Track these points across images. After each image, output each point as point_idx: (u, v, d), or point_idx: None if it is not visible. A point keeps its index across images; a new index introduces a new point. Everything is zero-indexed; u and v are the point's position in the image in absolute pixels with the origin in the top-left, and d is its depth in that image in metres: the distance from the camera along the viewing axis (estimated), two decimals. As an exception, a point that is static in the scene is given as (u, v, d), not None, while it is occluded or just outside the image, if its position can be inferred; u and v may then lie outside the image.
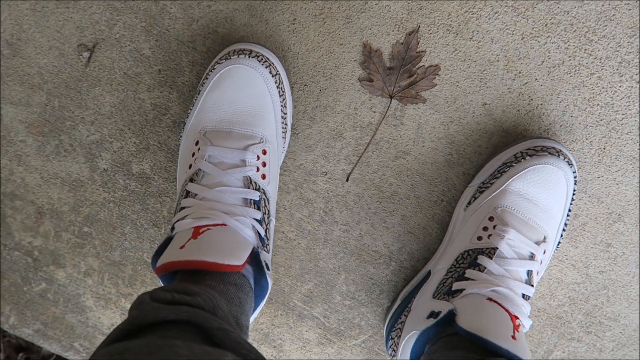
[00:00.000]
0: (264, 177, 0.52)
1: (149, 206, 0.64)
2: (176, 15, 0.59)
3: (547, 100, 0.57)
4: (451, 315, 0.48)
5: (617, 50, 0.55)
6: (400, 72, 0.57)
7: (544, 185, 0.53)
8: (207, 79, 0.54)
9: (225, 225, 0.47)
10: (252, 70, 0.52)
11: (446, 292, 0.52)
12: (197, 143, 0.53)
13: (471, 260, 0.52)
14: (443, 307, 0.50)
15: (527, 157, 0.53)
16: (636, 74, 0.56)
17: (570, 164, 0.53)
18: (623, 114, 0.57)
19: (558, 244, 0.57)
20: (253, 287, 0.50)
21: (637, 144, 0.57)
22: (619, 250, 0.61)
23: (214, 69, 0.54)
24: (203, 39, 0.59)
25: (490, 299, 0.48)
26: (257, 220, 0.50)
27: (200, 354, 0.34)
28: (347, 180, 0.61)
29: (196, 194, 0.50)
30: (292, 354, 0.68)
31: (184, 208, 0.50)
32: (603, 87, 0.56)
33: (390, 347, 0.60)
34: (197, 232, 0.47)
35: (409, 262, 0.63)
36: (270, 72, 0.53)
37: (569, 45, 0.56)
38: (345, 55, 0.58)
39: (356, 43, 0.58)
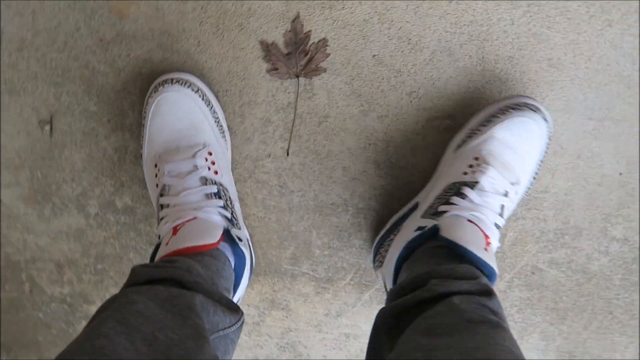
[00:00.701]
0: (216, 172, 0.63)
1: (141, 230, 0.76)
2: (105, 71, 0.70)
3: (423, 35, 0.67)
4: (435, 229, 0.58)
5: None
6: (297, 54, 0.67)
7: (523, 135, 0.62)
8: (145, 112, 0.65)
9: (196, 218, 0.59)
10: (177, 94, 0.63)
11: (433, 213, 0.62)
12: (156, 165, 0.64)
13: (456, 190, 0.62)
14: (429, 223, 0.60)
15: (511, 111, 0.62)
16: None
17: (546, 120, 0.63)
18: (487, 25, 0.67)
19: (528, 189, 0.67)
20: (232, 259, 0.62)
21: (508, 44, 0.67)
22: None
23: (148, 103, 0.64)
24: (133, 82, 0.70)
25: (469, 220, 0.59)
26: (221, 207, 0.61)
27: (176, 293, 0.48)
28: (287, 155, 0.71)
29: (168, 204, 0.62)
30: (298, 310, 0.79)
31: (162, 218, 0.61)
32: (463, 9, 0.66)
33: (377, 260, 0.71)
34: (175, 230, 0.58)
35: (362, 203, 0.74)
36: (192, 90, 0.64)
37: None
38: (249, 56, 0.68)
39: (254, 43, 0.68)
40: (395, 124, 0.70)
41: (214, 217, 0.60)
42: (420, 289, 0.51)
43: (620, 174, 0.74)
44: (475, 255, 0.54)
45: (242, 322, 0.56)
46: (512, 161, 0.63)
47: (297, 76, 0.68)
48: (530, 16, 0.66)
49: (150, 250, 0.77)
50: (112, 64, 0.69)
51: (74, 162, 0.73)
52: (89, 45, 0.69)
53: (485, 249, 0.56)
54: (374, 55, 0.68)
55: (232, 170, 0.72)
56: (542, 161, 0.67)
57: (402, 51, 0.68)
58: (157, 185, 0.64)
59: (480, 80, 0.69)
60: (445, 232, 0.57)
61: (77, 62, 0.69)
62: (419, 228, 0.61)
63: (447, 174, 0.65)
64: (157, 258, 0.57)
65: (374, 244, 0.73)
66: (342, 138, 0.71)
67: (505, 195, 0.62)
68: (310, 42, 0.67)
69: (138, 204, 0.75)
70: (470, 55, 0.68)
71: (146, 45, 0.68)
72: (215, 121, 0.66)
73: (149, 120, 0.64)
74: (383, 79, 0.69)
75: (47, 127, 0.72)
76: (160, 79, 0.64)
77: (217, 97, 0.69)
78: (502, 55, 0.67)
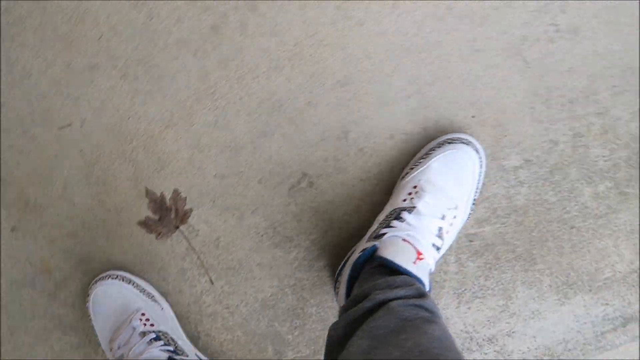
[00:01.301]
0: (152, 325, 0.76)
1: None
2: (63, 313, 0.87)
3: (235, 137, 0.77)
4: (374, 249, 0.65)
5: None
6: (166, 214, 0.80)
7: (457, 165, 0.70)
8: (89, 312, 0.80)
9: None
10: (105, 287, 0.78)
11: (375, 236, 0.69)
12: (111, 349, 0.77)
13: (396, 215, 0.69)
14: (370, 245, 0.67)
15: (446, 145, 0.71)
16: None
17: (477, 151, 0.71)
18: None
19: (469, 215, 0.73)
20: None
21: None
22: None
23: (87, 302, 0.79)
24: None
25: (404, 240, 0.65)
26: (161, 345, 0.74)
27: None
28: (212, 283, 0.82)
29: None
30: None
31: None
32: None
33: (336, 287, 0.77)
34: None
35: (291, 280, 0.81)
36: (117, 279, 0.79)
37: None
38: (137, 238, 0.82)
39: (134, 227, 0.82)
40: (264, 209, 0.79)
41: (156, 353, 0.72)
42: (364, 300, 0.58)
43: (473, 116, 0.75)
44: (403, 268, 0.61)
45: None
46: (448, 188, 0.69)
47: (177, 227, 0.80)
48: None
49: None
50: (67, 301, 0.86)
51: None
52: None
53: (414, 263, 0.63)
54: (215, 175, 0.79)
55: (186, 318, 0.84)
56: (478, 189, 0.72)
57: (228, 157, 0.78)
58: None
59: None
60: (381, 252, 0.64)
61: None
62: (363, 250, 0.68)
63: (391, 203, 0.73)
64: None
65: (335, 275, 0.79)
66: (239, 245, 0.81)
67: (442, 218, 0.68)
68: (168, 199, 0.80)
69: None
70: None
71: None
72: (141, 292, 0.80)
73: (93, 321, 0.79)
74: (233, 185, 0.79)
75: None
76: (92, 283, 0.81)
77: (138, 275, 0.82)
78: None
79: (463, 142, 0.71)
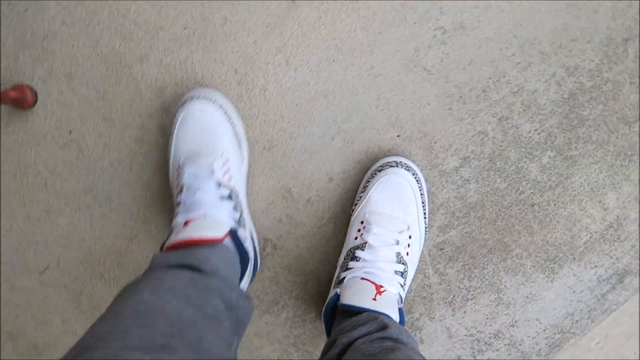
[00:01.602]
0: (229, 179, 0.70)
1: None
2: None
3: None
4: (336, 297, 0.66)
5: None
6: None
7: (393, 189, 0.71)
8: (173, 121, 0.72)
9: (206, 215, 0.64)
10: (202, 109, 0.70)
11: (337, 282, 0.70)
12: (178, 168, 0.70)
13: (352, 255, 0.70)
14: (333, 293, 0.67)
15: (378, 174, 0.72)
16: None
17: (408, 169, 0.72)
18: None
19: (426, 229, 0.75)
20: (237, 257, 0.66)
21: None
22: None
23: (176, 113, 0.71)
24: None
25: (362, 278, 0.66)
26: (232, 208, 0.67)
27: (197, 276, 0.54)
28: None
29: (185, 202, 0.66)
30: None
31: (177, 214, 0.66)
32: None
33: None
34: (186, 223, 0.63)
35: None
36: (216, 106, 0.71)
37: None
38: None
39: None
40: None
41: (223, 216, 0.65)
42: (332, 346, 0.60)
43: (398, 135, 0.76)
44: (363, 309, 0.62)
45: (253, 307, 0.63)
46: (393, 212, 0.70)
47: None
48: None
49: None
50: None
51: None
52: None
53: (374, 299, 0.63)
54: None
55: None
56: (425, 202, 0.73)
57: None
58: (177, 184, 0.70)
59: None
60: (342, 298, 0.65)
61: None
62: (330, 299, 0.68)
63: (345, 244, 0.74)
64: (165, 246, 0.61)
65: None
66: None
67: (397, 243, 0.69)
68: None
69: None
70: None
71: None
72: (234, 134, 0.73)
73: (176, 129, 0.71)
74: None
75: None
76: (188, 95, 0.72)
77: (237, 113, 0.75)
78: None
79: (391, 166, 0.72)
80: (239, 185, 0.72)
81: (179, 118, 0.70)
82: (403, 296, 0.70)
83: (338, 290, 0.67)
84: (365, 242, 0.69)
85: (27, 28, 0.75)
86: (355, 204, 0.75)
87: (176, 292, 0.50)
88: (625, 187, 0.75)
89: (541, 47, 0.72)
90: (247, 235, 0.71)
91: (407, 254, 0.70)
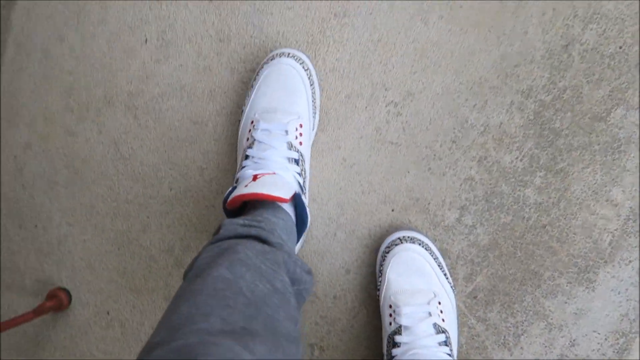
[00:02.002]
0: (301, 143, 0.68)
1: None
2: None
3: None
4: None
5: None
6: None
7: (406, 265, 0.71)
8: (257, 75, 0.71)
9: (275, 173, 0.63)
10: (289, 67, 0.69)
11: None
12: (252, 122, 0.69)
13: (392, 342, 0.69)
14: None
15: (387, 255, 0.73)
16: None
17: (413, 240, 0.72)
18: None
19: (452, 287, 0.74)
20: (295, 222, 0.67)
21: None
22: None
23: (262, 67, 0.70)
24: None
25: None
26: (297, 173, 0.67)
27: (267, 249, 0.54)
28: None
29: (253, 157, 0.65)
30: None
31: (244, 167, 0.65)
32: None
33: None
34: (255, 177, 0.62)
35: None
36: (303, 68, 0.70)
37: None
38: None
39: None
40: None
41: (290, 178, 0.65)
42: None
43: (392, 210, 0.78)
44: None
45: (314, 282, 0.63)
46: (416, 286, 0.70)
47: None
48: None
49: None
50: None
51: None
52: None
53: None
54: None
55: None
56: (442, 265, 0.74)
57: None
58: (247, 139, 0.68)
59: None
60: None
61: None
62: None
63: (383, 329, 0.74)
64: (232, 196, 0.60)
65: None
66: None
67: (430, 315, 0.68)
68: None
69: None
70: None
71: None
72: (312, 100, 0.71)
73: (259, 82, 0.70)
74: None
75: None
76: (278, 51, 0.71)
77: (319, 80, 0.75)
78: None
79: (396, 244, 0.73)
80: (307, 152, 0.70)
81: (264, 72, 0.69)
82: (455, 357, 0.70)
83: None
84: (400, 326, 0.69)
85: (42, 240, 0.83)
86: (379, 289, 0.76)
87: (250, 265, 0.50)
88: (626, 178, 0.74)
89: (490, 83, 0.74)
90: (307, 200, 0.71)
91: (443, 320, 0.70)
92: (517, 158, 0.75)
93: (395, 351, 0.69)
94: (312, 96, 0.72)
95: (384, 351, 0.74)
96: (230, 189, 0.65)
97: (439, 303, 0.71)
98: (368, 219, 0.79)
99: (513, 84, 0.73)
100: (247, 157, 0.68)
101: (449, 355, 0.68)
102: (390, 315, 0.72)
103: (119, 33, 0.75)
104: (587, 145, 0.74)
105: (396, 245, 0.73)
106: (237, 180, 0.67)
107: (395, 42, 0.73)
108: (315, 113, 0.74)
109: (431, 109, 0.75)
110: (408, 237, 0.74)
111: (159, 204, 0.81)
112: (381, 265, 0.75)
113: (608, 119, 0.73)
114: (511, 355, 0.80)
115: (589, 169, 0.75)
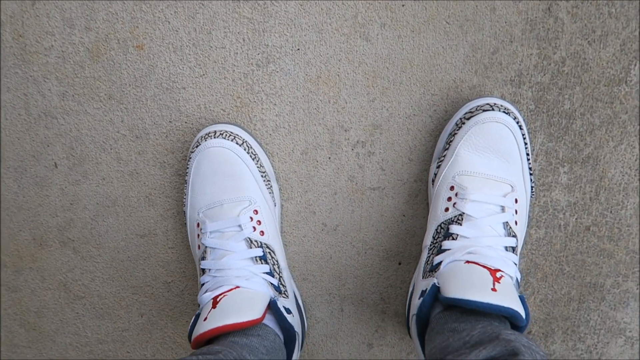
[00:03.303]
0: (262, 233, 0.55)
1: None
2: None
3: None
4: (434, 290, 0.48)
5: None
6: None
7: (490, 140, 0.53)
8: (188, 167, 0.57)
9: (239, 287, 0.51)
10: (220, 149, 0.54)
11: (430, 269, 0.52)
12: (198, 225, 0.56)
13: (445, 232, 0.52)
14: (428, 284, 0.49)
15: (466, 121, 0.53)
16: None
17: (507, 112, 0.52)
18: None
19: (532, 189, 0.56)
20: (281, 334, 0.53)
21: None
22: None
23: (190, 158, 0.56)
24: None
25: (467, 262, 0.48)
26: (266, 273, 0.54)
27: None
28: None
29: (210, 269, 0.53)
30: None
31: (203, 285, 0.54)
32: None
33: (409, 331, 0.59)
34: (215, 301, 0.50)
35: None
36: (236, 143, 0.55)
37: None
38: None
39: None
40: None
41: (259, 285, 0.52)
42: None
43: (400, 263, 0.63)
44: (482, 304, 0.44)
45: None
46: (492, 171, 0.53)
47: None
48: None
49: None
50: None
51: None
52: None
53: (494, 289, 0.45)
54: None
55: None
56: (529, 154, 0.54)
57: None
58: (199, 246, 0.56)
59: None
60: (444, 290, 0.46)
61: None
62: (422, 293, 0.51)
63: (432, 214, 0.55)
64: (194, 335, 0.49)
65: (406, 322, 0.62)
66: None
67: (503, 210, 0.51)
68: None
69: None
70: None
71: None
72: (262, 175, 0.57)
73: (191, 176, 0.56)
74: None
75: None
76: (202, 133, 0.56)
77: (263, 149, 0.60)
78: None
79: (485, 110, 0.52)
80: (274, 240, 0.57)
81: (193, 163, 0.56)
82: (520, 279, 0.52)
83: (435, 280, 0.48)
84: (462, 214, 0.51)
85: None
86: (438, 167, 0.56)
87: None
88: (672, 143, 0.57)
89: (468, 83, 0.57)
90: (291, 300, 0.57)
91: (516, 222, 0.52)
92: (529, 160, 0.59)
93: (449, 243, 0.51)
94: (260, 169, 0.57)
95: (426, 242, 0.55)
96: (193, 318, 0.52)
97: (516, 201, 0.52)
98: (375, 281, 0.64)
99: (497, 75, 0.56)
100: (203, 271, 0.55)
101: (515, 264, 0.50)
102: (450, 199, 0.53)
103: (24, 166, 0.61)
104: (612, 117, 0.57)
105: (484, 111, 0.53)
106: (199, 304, 0.53)
107: (338, 72, 0.57)
108: (271, 186, 0.59)
109: (407, 136, 0.59)
110: (502, 106, 0.53)
111: (136, 335, 0.67)
112: (453, 134, 0.55)
113: (628, 78, 0.56)
114: (594, 385, 0.64)
115: (623, 145, 0.58)
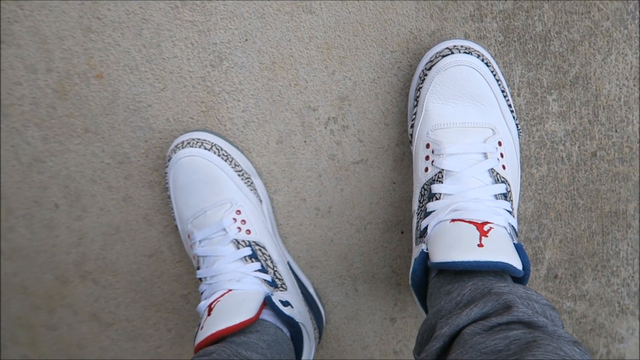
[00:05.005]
0: (248, 232, 0.53)
1: None
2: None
3: None
4: (424, 255, 0.44)
5: None
6: None
7: (457, 86, 0.47)
8: (167, 182, 0.56)
9: (230, 290, 0.49)
10: (190, 158, 0.53)
11: (420, 234, 0.47)
12: (189, 236, 0.54)
13: (429, 194, 0.47)
14: (418, 251, 0.45)
15: (428, 72, 0.48)
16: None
17: (469, 52, 0.47)
18: None
19: (518, 127, 0.50)
20: (286, 329, 0.51)
21: None
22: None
23: (166, 173, 0.55)
24: None
25: (453, 220, 0.44)
26: (258, 270, 0.51)
27: None
28: None
29: (205, 277, 0.52)
30: None
31: (202, 293, 0.52)
32: None
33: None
34: (210, 309, 0.49)
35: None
36: (205, 148, 0.53)
37: None
38: None
39: None
40: None
41: (251, 285, 0.50)
42: (432, 338, 0.38)
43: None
44: (468, 263, 0.40)
45: None
46: (467, 118, 0.47)
47: None
48: None
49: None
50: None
51: None
52: None
53: (480, 245, 0.41)
54: None
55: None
56: (503, 89, 0.48)
57: None
58: (194, 257, 0.54)
59: None
60: (431, 255, 0.42)
61: None
62: (414, 261, 0.46)
63: (415, 178, 0.50)
64: (195, 344, 0.47)
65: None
66: None
67: (485, 157, 0.46)
68: None
69: None
70: None
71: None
72: (239, 175, 0.54)
73: (171, 191, 0.55)
74: None
75: None
76: (172, 146, 0.55)
77: (236, 147, 0.57)
78: None
79: (444, 55, 0.47)
80: (262, 235, 0.54)
81: (170, 177, 0.54)
82: (516, 226, 0.46)
83: (424, 246, 0.44)
84: (441, 171, 0.46)
85: None
86: (412, 125, 0.50)
87: None
88: (669, 39, 0.49)
89: (426, 31, 0.51)
90: (290, 292, 0.54)
91: (504, 167, 0.46)
92: (512, 95, 0.52)
93: (432, 205, 0.46)
94: (235, 169, 0.54)
95: (414, 209, 0.50)
96: (196, 327, 0.51)
97: (499, 144, 0.47)
98: (381, 255, 0.60)
99: (454, 14, 0.50)
100: (200, 280, 0.53)
101: (509, 211, 0.45)
102: (427, 157, 0.48)
103: (30, 212, 0.63)
104: (593, 28, 0.49)
105: (443, 56, 0.47)
106: (199, 314, 0.52)
107: (291, 53, 0.53)
108: (252, 183, 0.56)
109: (377, 101, 0.54)
110: (463, 46, 0.47)
111: (169, 349, 0.67)
112: (418, 90, 0.49)
113: (601, -19, 0.48)
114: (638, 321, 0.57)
115: (612, 55, 0.50)
